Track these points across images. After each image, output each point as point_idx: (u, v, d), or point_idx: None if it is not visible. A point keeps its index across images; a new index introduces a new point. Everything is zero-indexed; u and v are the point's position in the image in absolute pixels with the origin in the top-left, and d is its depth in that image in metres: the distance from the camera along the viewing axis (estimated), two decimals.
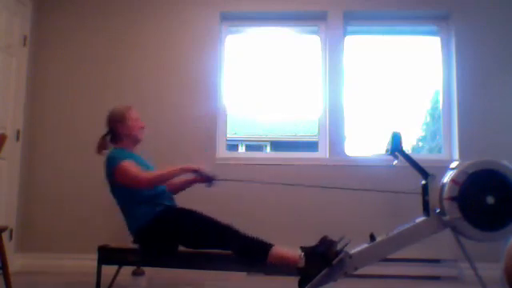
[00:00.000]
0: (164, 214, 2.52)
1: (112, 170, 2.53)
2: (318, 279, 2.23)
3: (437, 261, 3.34)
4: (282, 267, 2.36)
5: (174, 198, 2.73)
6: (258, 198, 3.51)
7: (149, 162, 2.74)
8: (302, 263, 2.31)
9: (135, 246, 2.58)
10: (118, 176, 2.51)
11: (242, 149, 8.73)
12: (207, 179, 2.65)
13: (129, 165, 2.51)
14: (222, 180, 2.65)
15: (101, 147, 2.68)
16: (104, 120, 2.70)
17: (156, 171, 2.61)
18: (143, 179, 2.49)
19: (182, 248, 2.61)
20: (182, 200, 2.72)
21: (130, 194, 2.54)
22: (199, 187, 2.76)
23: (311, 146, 4.05)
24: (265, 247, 2.35)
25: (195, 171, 2.64)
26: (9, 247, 3.15)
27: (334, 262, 2.25)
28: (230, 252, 2.54)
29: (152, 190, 2.56)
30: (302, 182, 3.53)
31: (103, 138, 2.70)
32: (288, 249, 2.37)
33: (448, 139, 3.71)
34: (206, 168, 2.66)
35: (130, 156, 2.61)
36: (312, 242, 2.39)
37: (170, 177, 2.55)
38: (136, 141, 2.71)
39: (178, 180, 2.68)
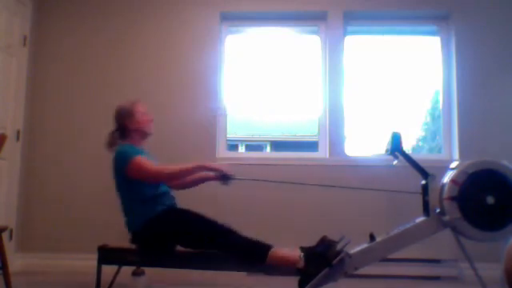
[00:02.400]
0: (165, 214, 2.52)
1: (124, 165, 2.50)
2: (317, 279, 2.23)
3: (437, 261, 3.34)
4: (282, 268, 2.36)
5: (175, 198, 2.72)
6: (257, 198, 3.51)
7: (155, 158, 2.73)
8: (301, 264, 2.31)
9: (132, 245, 2.58)
10: (133, 171, 2.49)
11: (242, 149, 8.72)
12: (224, 178, 2.63)
13: (143, 159, 2.51)
14: (238, 179, 2.63)
15: (111, 144, 2.66)
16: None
17: (176, 165, 2.56)
18: (163, 172, 2.51)
19: (181, 248, 2.61)
20: (182, 198, 2.72)
21: (136, 192, 2.54)
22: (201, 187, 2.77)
23: (311, 145, 4.05)
24: (264, 249, 2.34)
25: (214, 169, 2.62)
26: (9, 247, 3.15)
27: (334, 261, 2.25)
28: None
29: (156, 189, 2.56)
30: (302, 182, 3.54)
31: (112, 134, 2.68)
32: (287, 249, 2.36)
33: (448, 139, 3.71)
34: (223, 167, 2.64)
35: (142, 152, 2.61)
36: (312, 241, 2.40)
37: (189, 173, 2.60)
38: (145, 135, 2.70)
39: (193, 176, 2.70)
